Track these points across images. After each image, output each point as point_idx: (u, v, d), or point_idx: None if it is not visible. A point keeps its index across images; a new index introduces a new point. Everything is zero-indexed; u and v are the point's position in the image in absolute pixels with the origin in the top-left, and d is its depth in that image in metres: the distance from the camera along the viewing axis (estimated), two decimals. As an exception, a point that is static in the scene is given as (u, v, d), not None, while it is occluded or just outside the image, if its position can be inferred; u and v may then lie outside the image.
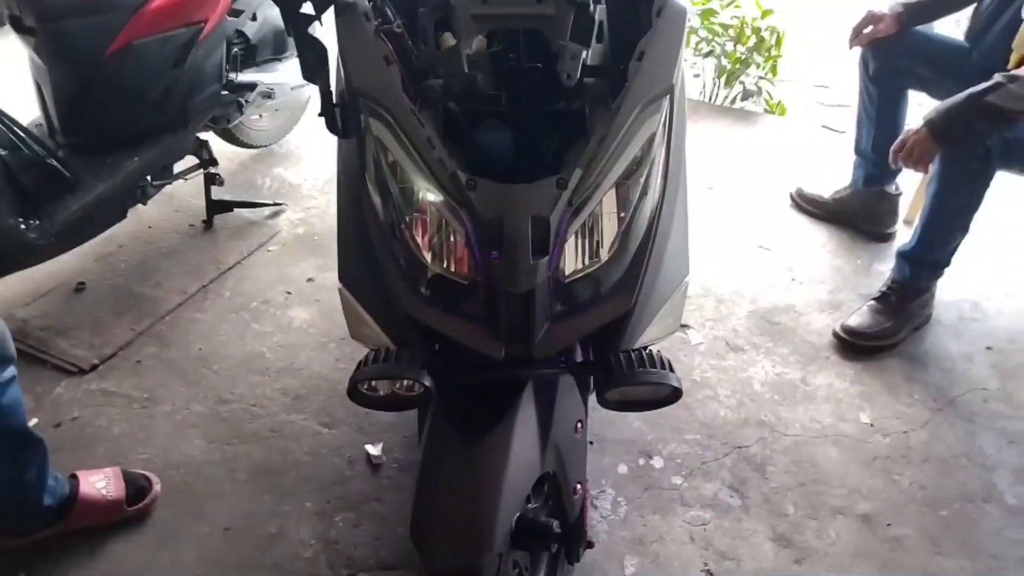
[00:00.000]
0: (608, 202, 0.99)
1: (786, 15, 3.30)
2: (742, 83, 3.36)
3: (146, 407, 1.84)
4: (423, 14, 1.00)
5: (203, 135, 2.38)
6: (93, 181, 1.97)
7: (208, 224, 2.50)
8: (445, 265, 1.00)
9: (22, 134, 1.83)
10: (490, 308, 0.98)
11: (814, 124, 3.46)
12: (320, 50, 1.03)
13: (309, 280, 2.29)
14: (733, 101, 3.45)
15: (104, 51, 1.90)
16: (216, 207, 2.49)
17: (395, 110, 0.96)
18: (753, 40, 3.27)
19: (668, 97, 1.00)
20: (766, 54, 3.28)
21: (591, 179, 0.95)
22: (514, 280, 0.94)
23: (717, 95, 3.48)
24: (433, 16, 0.98)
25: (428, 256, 1.00)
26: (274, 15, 2.49)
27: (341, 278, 1.13)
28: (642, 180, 1.01)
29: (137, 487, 1.58)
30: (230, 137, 2.66)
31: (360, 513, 1.61)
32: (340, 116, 1.07)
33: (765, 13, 3.22)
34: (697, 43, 3.38)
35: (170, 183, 2.26)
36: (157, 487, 1.61)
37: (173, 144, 2.19)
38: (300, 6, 1.01)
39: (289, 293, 2.23)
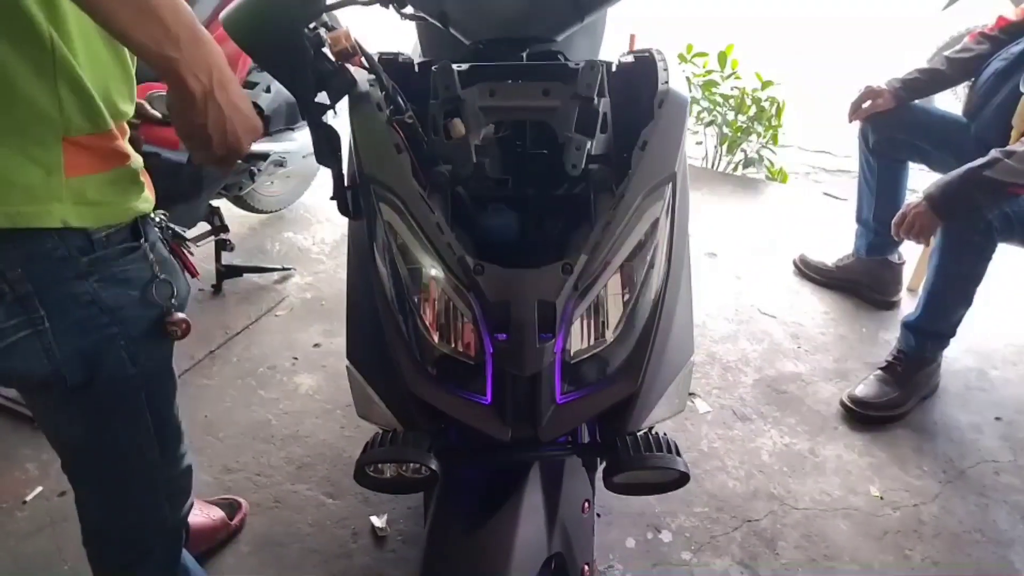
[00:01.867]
0: (613, 284, 1.01)
1: (786, 83, 3.38)
2: (743, 151, 3.43)
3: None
4: (434, 105, 1.04)
5: (215, 202, 2.43)
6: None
7: (217, 289, 2.53)
8: (452, 346, 1.01)
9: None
10: (497, 390, 0.99)
11: (816, 191, 3.52)
12: (333, 136, 1.06)
13: (316, 346, 2.30)
14: (735, 168, 3.51)
15: (123, 124, 1.95)
16: (226, 272, 2.53)
17: (405, 196, 0.99)
18: (754, 110, 3.35)
19: (671, 184, 1.02)
20: (767, 123, 3.35)
21: (596, 263, 0.97)
22: (520, 363, 0.95)
23: (719, 162, 3.55)
24: (444, 107, 1.02)
25: (435, 336, 1.01)
26: (288, 87, 2.57)
27: (349, 356, 1.14)
28: (646, 262, 1.03)
29: (226, 506, 1.71)
30: (241, 203, 2.72)
31: (363, 589, 1.58)
32: (351, 199, 1.10)
33: (765, 84, 3.31)
34: (699, 112, 3.46)
35: (182, 250, 2.29)
36: (244, 502, 1.74)
37: (186, 212, 2.23)
38: (315, 96, 1.04)
39: (296, 359, 2.24)
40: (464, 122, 1.00)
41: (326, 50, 1.03)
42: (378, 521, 1.71)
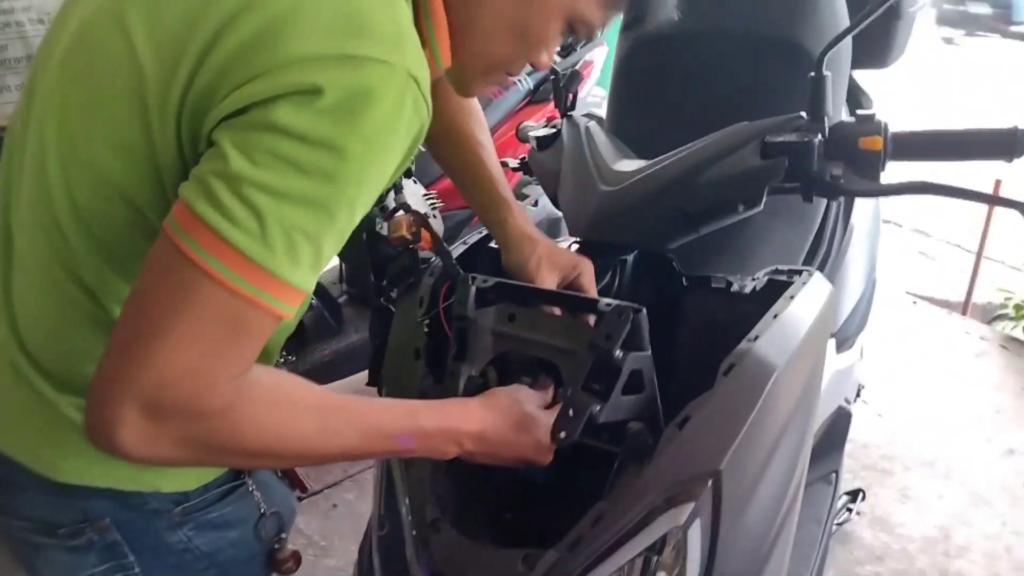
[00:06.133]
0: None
1: None
2: None
3: (316, 556, 1.92)
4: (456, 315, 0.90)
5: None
6: (353, 332, 2.17)
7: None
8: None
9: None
10: None
11: None
12: (387, 318, 1.01)
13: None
14: None
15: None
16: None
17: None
18: None
19: (710, 485, 0.72)
20: None
21: (572, 567, 0.73)
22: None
23: None
24: (457, 323, 0.87)
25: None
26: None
27: None
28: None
29: None
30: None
31: None
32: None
33: None
34: None
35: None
36: None
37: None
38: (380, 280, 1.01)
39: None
40: (469, 348, 0.85)
41: (383, 231, 0.97)
42: None
